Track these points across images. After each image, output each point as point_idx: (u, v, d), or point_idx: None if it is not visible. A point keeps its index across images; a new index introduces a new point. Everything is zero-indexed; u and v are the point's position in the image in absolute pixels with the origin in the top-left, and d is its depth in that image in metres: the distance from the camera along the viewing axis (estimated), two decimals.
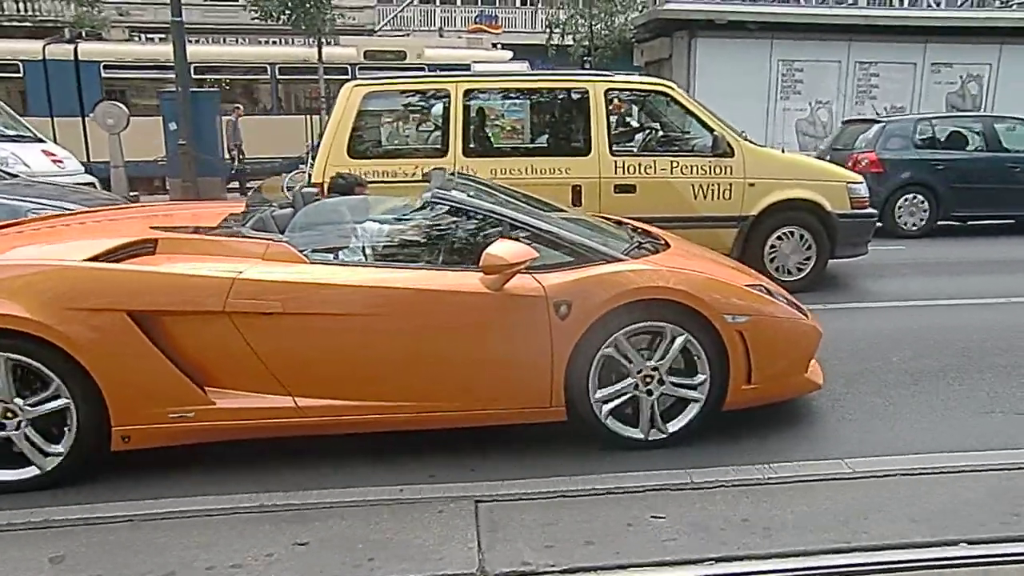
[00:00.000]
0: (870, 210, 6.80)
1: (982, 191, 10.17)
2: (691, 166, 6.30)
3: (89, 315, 3.02)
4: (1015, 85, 15.53)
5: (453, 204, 3.72)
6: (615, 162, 6.19)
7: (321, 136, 6.82)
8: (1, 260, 3.22)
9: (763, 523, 2.86)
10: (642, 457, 3.39)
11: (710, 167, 6.30)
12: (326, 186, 5.17)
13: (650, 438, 3.47)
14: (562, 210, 4.48)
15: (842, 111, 15.39)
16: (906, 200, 10.05)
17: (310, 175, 6.33)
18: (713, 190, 6.30)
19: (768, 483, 3.19)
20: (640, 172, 6.23)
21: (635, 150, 6.71)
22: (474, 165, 5.96)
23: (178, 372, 3.12)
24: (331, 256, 3.59)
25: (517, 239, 3.45)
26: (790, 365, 3.73)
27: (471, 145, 6.35)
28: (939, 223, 10.13)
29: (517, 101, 7.28)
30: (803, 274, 6.55)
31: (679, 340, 3.42)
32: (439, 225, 3.77)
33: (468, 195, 3.83)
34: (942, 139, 10.52)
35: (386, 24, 23.42)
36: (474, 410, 3.42)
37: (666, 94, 6.55)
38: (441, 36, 23.32)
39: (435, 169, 4.79)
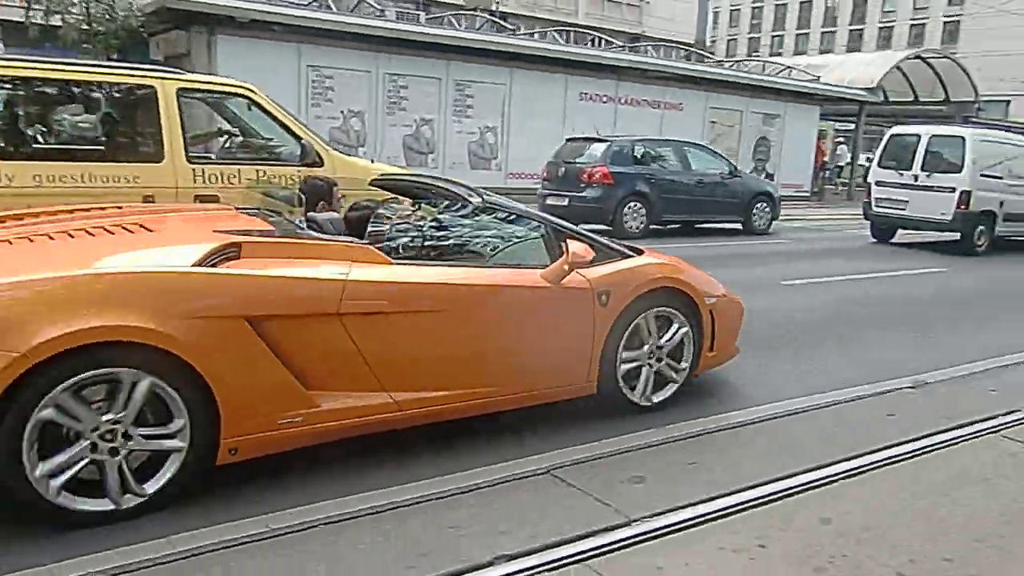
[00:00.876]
0: None
1: (678, 200, 13.30)
2: (280, 176, 6.08)
3: (210, 323, 3.03)
4: (528, 104, 17.36)
5: (507, 210, 4.30)
6: (194, 170, 5.81)
7: None
8: (111, 268, 3.06)
9: None
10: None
11: (300, 176, 6.03)
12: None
13: (641, 403, 4.37)
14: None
15: (375, 121, 15.67)
16: (630, 207, 12.60)
17: None
18: None
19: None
20: (224, 181, 5.91)
21: (217, 157, 6.32)
22: (11, 170, 5.29)
23: (291, 377, 3.23)
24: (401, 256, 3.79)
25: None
26: (731, 334, 4.89)
27: (2, 146, 5.50)
28: (652, 226, 12.92)
29: (64, 95, 6.19)
30: None
31: (683, 330, 4.44)
32: (493, 228, 4.23)
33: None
34: (651, 158, 13.49)
35: None
36: (533, 391, 4.02)
37: (247, 97, 6.30)
38: None
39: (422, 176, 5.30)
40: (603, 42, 24.04)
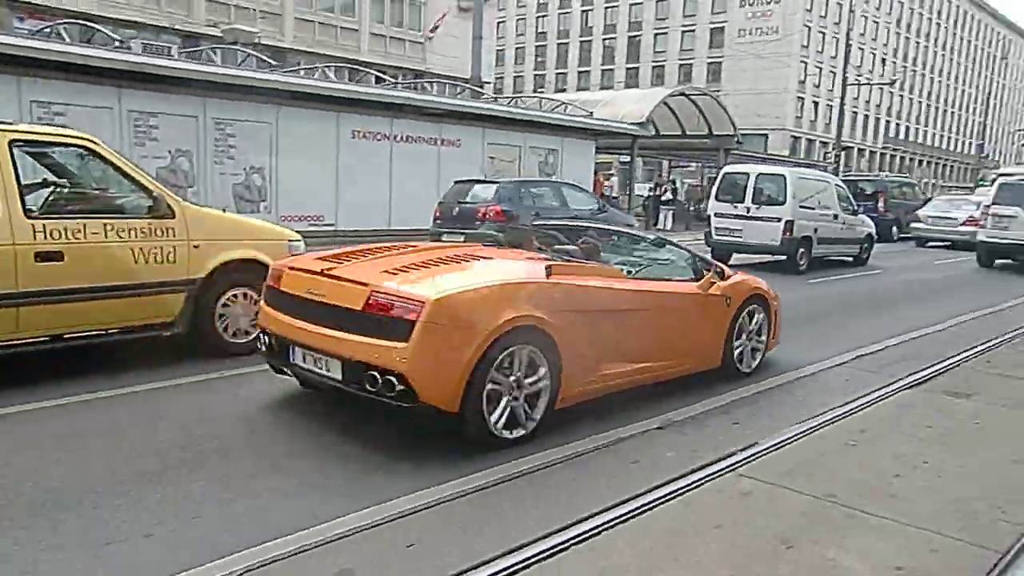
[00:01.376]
0: None
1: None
2: (128, 229, 6.03)
3: (562, 315, 4.77)
4: (298, 142, 16.69)
5: (675, 244, 6.77)
6: (33, 226, 5.58)
7: None
8: (513, 280, 4.82)
9: None
10: None
11: (150, 229, 6.13)
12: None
13: (745, 370, 6.57)
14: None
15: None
16: None
17: None
18: (155, 254, 6.16)
19: None
20: (68, 237, 5.72)
21: (59, 212, 5.99)
22: None
23: (592, 351, 5.04)
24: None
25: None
26: (779, 327, 7.07)
27: None
28: None
29: None
30: (251, 337, 6.61)
31: (763, 320, 6.76)
32: (670, 256, 6.61)
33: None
34: (533, 196, 15.05)
35: None
36: (695, 364, 6.15)
37: (89, 149, 6.09)
38: None
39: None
40: (383, 79, 23.77)
